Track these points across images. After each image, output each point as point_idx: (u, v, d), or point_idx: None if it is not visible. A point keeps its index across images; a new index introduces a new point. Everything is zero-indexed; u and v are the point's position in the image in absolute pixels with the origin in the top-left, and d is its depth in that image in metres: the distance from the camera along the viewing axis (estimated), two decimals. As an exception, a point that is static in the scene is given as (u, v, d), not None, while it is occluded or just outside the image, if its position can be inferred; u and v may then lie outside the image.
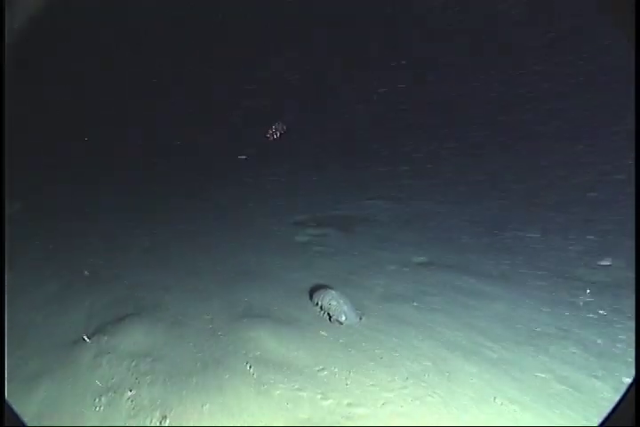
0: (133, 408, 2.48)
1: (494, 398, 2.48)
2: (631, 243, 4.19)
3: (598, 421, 2.25)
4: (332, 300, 3.69)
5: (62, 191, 7.84)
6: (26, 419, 2.37)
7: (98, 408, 2.49)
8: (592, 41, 8.63)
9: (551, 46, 9.18)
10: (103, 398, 2.56)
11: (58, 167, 9.00)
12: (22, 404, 2.55)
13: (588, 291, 3.67)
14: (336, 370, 2.86)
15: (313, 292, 3.94)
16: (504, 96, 9.07)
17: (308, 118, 10.51)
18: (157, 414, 2.44)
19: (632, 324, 3.11)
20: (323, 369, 2.87)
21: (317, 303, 3.79)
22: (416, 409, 2.45)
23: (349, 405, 2.52)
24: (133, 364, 2.89)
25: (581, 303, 3.49)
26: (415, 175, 7.43)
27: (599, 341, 3.04)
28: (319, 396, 2.61)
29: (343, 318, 3.53)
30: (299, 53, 11.25)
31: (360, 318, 3.59)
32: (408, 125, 9.45)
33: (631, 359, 2.73)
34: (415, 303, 3.80)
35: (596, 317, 3.35)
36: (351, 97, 10.62)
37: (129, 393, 2.60)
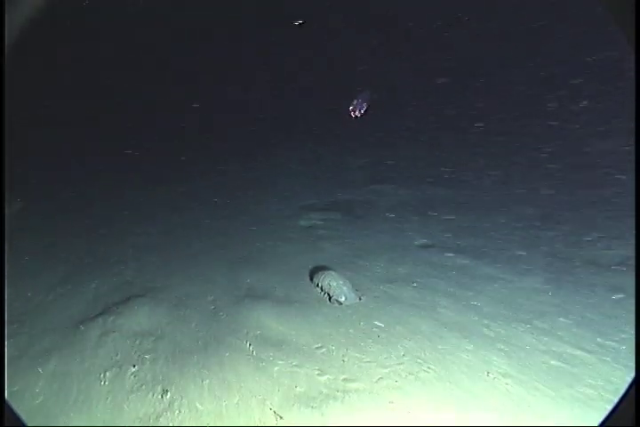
0: (136, 383, 2.57)
1: (487, 372, 2.51)
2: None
3: (598, 421, 2.27)
4: (331, 281, 3.74)
5: (63, 183, 7.95)
6: (37, 390, 2.49)
7: (103, 382, 2.59)
8: None
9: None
10: (108, 373, 2.66)
11: (57, 166, 9.10)
12: (33, 378, 2.66)
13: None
14: (334, 348, 2.92)
15: (313, 273, 3.98)
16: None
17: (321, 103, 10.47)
18: (159, 388, 2.53)
19: (630, 302, 3.11)
20: (321, 347, 2.93)
21: (317, 284, 3.83)
22: (410, 384, 2.50)
23: (345, 380, 2.58)
24: (137, 342, 2.99)
25: (578, 283, 3.49)
26: (418, 161, 7.38)
27: (595, 318, 3.05)
28: (316, 372, 2.67)
29: (342, 299, 3.58)
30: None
31: (359, 299, 3.64)
32: (414, 113, 9.35)
33: (625, 336, 2.74)
34: (415, 284, 3.82)
35: (592, 295, 3.34)
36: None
37: (132, 369, 2.70)
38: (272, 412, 2.34)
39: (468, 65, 9.63)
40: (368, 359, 2.75)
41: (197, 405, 2.39)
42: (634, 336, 2.79)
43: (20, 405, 2.38)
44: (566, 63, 8.08)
